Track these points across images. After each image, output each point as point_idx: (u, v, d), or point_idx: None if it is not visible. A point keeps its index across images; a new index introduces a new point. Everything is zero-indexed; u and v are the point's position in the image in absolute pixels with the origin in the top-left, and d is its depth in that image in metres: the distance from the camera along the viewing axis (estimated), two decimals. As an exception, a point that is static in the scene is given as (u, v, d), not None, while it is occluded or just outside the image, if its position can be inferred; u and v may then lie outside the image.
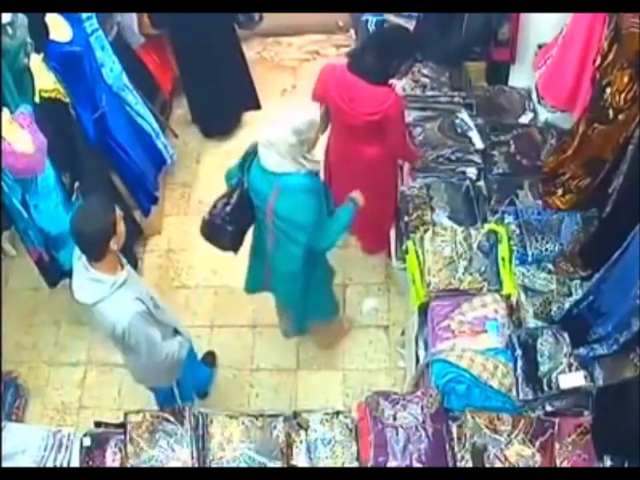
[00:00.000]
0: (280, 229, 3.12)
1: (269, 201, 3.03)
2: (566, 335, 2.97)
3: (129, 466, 2.82)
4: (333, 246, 3.33)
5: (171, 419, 2.90)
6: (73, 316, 4.25)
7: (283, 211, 3.03)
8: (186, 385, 3.42)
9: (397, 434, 2.82)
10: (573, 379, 2.87)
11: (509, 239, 3.32)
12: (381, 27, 4.06)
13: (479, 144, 3.77)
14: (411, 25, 3.90)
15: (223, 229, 3.22)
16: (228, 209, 3.17)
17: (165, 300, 4.20)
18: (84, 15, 3.56)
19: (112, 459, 2.89)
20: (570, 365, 2.90)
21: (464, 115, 3.88)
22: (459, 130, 3.83)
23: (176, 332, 3.20)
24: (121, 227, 2.75)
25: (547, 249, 3.26)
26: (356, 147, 3.56)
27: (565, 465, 2.71)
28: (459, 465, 2.76)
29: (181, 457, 2.83)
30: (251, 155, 3.08)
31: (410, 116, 3.82)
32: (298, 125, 2.91)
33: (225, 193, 3.21)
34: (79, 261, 2.80)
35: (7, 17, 3.05)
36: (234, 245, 3.35)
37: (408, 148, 3.68)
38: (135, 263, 4.37)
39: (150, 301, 2.96)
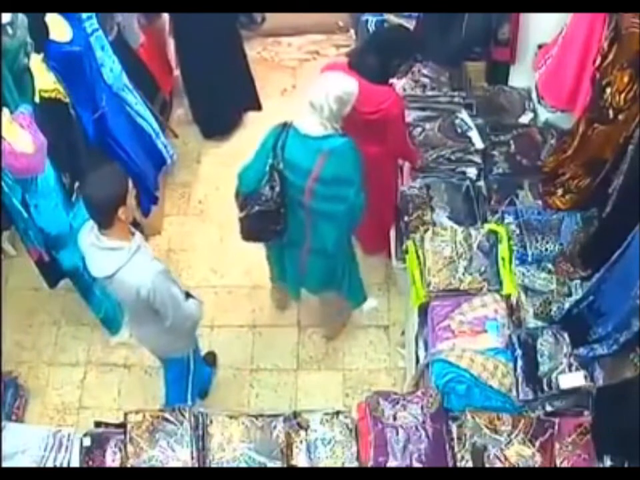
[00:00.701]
0: (321, 198, 3.09)
1: (313, 171, 3.01)
2: (566, 335, 2.97)
3: (129, 466, 2.82)
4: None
5: (171, 418, 2.90)
6: (72, 316, 4.25)
7: (332, 172, 3.03)
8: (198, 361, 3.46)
9: (397, 434, 2.82)
10: (573, 379, 2.87)
11: (509, 238, 3.32)
12: (381, 27, 4.06)
13: (478, 144, 3.77)
14: (410, 24, 3.90)
15: (278, 213, 3.16)
16: (277, 189, 3.08)
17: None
18: (84, 15, 3.55)
19: (112, 459, 2.89)
20: (570, 365, 2.90)
21: (464, 114, 3.88)
22: (459, 130, 3.84)
23: (188, 295, 3.17)
24: (132, 201, 2.77)
25: (546, 249, 3.26)
26: (357, 146, 3.56)
27: (565, 464, 2.71)
28: (459, 464, 2.76)
29: (181, 457, 2.83)
30: (281, 132, 3.07)
31: (410, 116, 3.82)
32: (341, 93, 2.96)
33: (266, 180, 3.10)
34: (89, 237, 2.80)
35: (6, 17, 3.04)
36: (284, 229, 3.26)
37: (408, 147, 3.68)
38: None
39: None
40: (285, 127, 3.08)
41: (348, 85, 3.02)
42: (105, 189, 2.68)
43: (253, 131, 4.88)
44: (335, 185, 3.08)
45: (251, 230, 3.29)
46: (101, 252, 2.78)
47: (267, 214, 3.15)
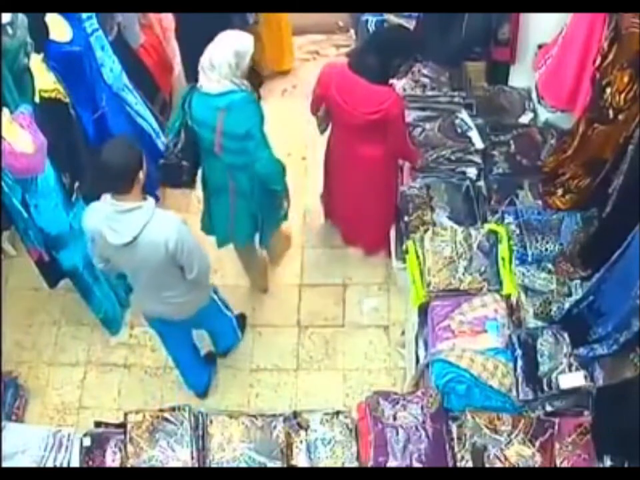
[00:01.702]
0: (230, 151, 3.31)
1: (217, 126, 3.22)
2: (566, 335, 2.97)
3: (129, 466, 2.83)
4: (274, 164, 3.43)
5: (171, 418, 2.91)
6: (72, 316, 4.25)
7: (232, 125, 3.21)
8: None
9: (397, 434, 2.82)
10: (573, 379, 2.87)
11: (509, 238, 3.32)
12: (381, 27, 4.06)
13: (478, 144, 3.77)
14: (410, 24, 3.90)
15: (178, 165, 3.47)
16: (179, 146, 3.41)
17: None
18: (84, 15, 3.55)
19: (112, 459, 2.89)
20: (570, 365, 2.90)
21: (464, 114, 3.88)
22: (459, 130, 3.84)
23: None
24: (144, 163, 2.89)
25: (546, 249, 3.26)
26: (356, 148, 3.56)
27: (565, 464, 2.71)
28: (459, 464, 2.76)
29: (181, 457, 2.83)
30: (188, 93, 3.31)
31: (410, 116, 3.82)
32: (238, 47, 3.16)
33: (173, 136, 3.44)
34: (105, 209, 2.86)
35: (6, 17, 3.04)
36: (191, 179, 3.61)
37: (409, 147, 3.68)
38: (134, 263, 4.37)
39: None
40: (191, 88, 3.32)
41: (243, 39, 3.21)
42: (126, 153, 2.81)
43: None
44: (238, 139, 3.25)
45: (163, 179, 3.72)
46: (123, 216, 2.84)
47: (169, 166, 3.47)
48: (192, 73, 4.62)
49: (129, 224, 2.84)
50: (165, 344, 3.67)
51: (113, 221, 2.86)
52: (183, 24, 4.39)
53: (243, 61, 3.18)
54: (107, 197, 2.87)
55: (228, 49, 3.14)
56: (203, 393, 3.90)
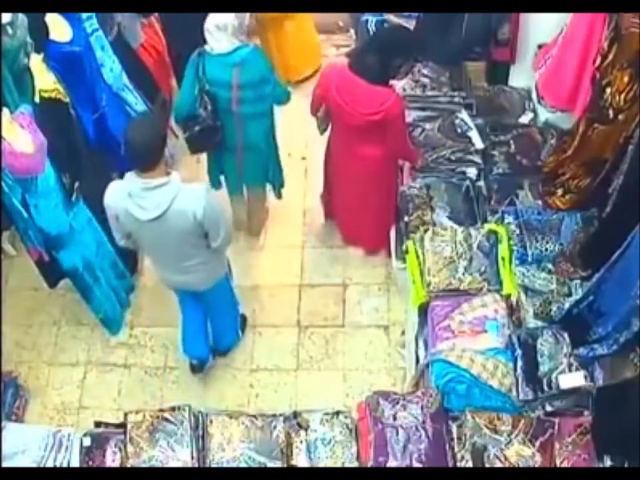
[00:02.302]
0: (248, 102, 3.63)
1: (233, 81, 3.54)
2: (566, 335, 2.97)
3: (129, 466, 2.82)
4: (287, 90, 3.87)
5: (171, 418, 2.91)
6: (72, 316, 4.25)
7: (249, 76, 3.55)
8: None
9: (397, 434, 2.82)
10: (573, 379, 2.87)
11: (509, 238, 3.32)
12: (382, 27, 4.06)
13: (478, 144, 3.77)
14: (410, 24, 3.90)
15: (215, 127, 3.72)
16: (209, 107, 3.65)
17: (164, 300, 4.22)
18: (84, 15, 3.55)
19: (112, 459, 2.89)
20: (570, 365, 2.90)
21: (464, 114, 3.88)
22: (459, 130, 3.83)
23: None
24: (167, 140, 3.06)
25: (547, 249, 3.26)
26: (357, 148, 3.56)
27: (565, 465, 2.71)
28: (459, 464, 2.76)
29: (181, 457, 2.83)
30: (198, 60, 3.56)
31: (410, 116, 3.81)
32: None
33: (199, 104, 3.65)
34: (130, 186, 2.94)
35: (6, 17, 3.05)
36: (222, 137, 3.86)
37: (409, 148, 3.69)
38: (134, 263, 4.37)
39: None
40: (200, 54, 3.56)
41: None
42: (150, 131, 2.92)
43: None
44: (254, 88, 3.59)
45: (197, 145, 3.86)
46: (150, 193, 2.92)
47: (207, 130, 3.71)
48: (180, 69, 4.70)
49: (156, 200, 2.93)
50: (181, 306, 3.79)
51: (139, 198, 2.94)
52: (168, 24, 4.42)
53: (243, 20, 3.54)
54: (132, 175, 2.95)
55: (224, 15, 3.44)
56: (196, 364, 3.91)
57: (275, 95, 3.72)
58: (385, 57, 3.27)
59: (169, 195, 2.92)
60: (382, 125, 3.37)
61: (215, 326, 3.90)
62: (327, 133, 3.79)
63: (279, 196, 4.36)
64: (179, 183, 2.96)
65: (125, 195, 2.96)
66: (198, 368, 3.91)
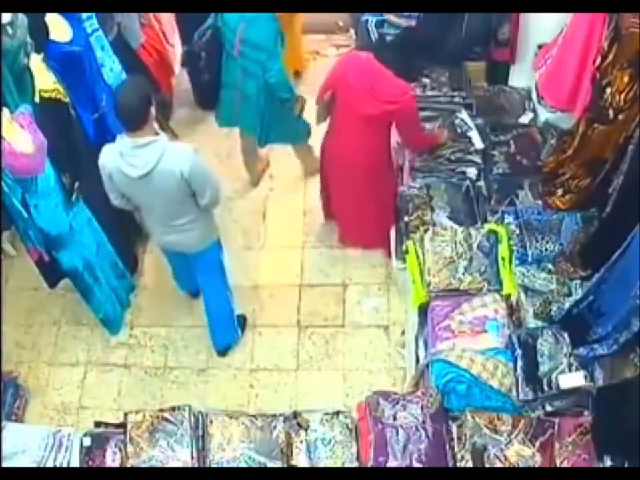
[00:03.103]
0: (246, 58, 3.87)
1: (237, 33, 3.79)
2: (566, 335, 2.97)
3: (129, 466, 2.82)
4: (283, 76, 3.96)
5: (171, 418, 2.90)
6: (72, 316, 4.26)
7: (251, 35, 3.77)
8: None
9: (397, 434, 2.82)
10: (573, 379, 2.86)
11: (509, 238, 3.31)
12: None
13: (478, 144, 3.77)
14: (411, 25, 3.90)
15: (198, 55, 4.29)
16: (203, 39, 4.25)
17: (164, 300, 4.22)
18: (84, 15, 3.55)
19: (112, 459, 2.89)
20: (570, 365, 2.90)
21: (464, 114, 3.88)
22: (459, 130, 3.83)
23: None
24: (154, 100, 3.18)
25: (547, 249, 3.26)
26: (359, 141, 3.59)
27: (565, 465, 2.71)
28: (459, 464, 2.76)
29: (181, 457, 2.83)
30: None
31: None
32: None
33: (201, 32, 4.18)
34: (121, 146, 3.10)
35: (6, 17, 3.05)
36: (212, 72, 4.22)
37: (427, 139, 3.76)
38: (134, 263, 4.37)
39: None
40: None
41: None
42: (136, 92, 3.07)
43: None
44: (252, 49, 3.81)
45: (184, 65, 4.53)
46: (139, 150, 3.08)
47: (191, 54, 4.31)
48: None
49: (145, 157, 3.08)
50: (167, 256, 3.96)
51: (129, 156, 3.10)
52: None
53: None
54: (122, 136, 3.10)
55: None
56: (194, 293, 4.18)
57: (269, 69, 3.83)
58: (408, 57, 3.48)
59: (156, 152, 3.08)
60: (394, 115, 3.48)
61: (210, 317, 3.96)
62: (324, 131, 3.81)
63: (303, 142, 4.48)
64: (167, 142, 3.13)
65: (117, 154, 3.12)
66: (195, 295, 4.15)
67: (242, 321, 4.11)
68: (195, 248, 3.58)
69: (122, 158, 3.11)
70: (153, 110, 3.09)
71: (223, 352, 4.06)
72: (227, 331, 4.02)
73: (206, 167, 3.27)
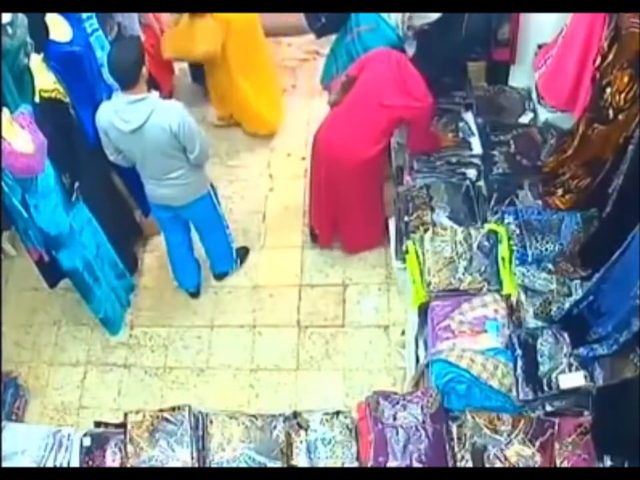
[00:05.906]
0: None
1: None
2: (566, 335, 2.97)
3: (129, 466, 2.82)
4: None
5: (171, 418, 2.90)
6: (72, 316, 4.26)
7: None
8: None
9: (397, 434, 2.82)
10: (573, 379, 2.86)
11: (509, 238, 3.31)
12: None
13: (477, 150, 3.77)
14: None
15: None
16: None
17: (164, 300, 4.22)
18: (84, 15, 3.56)
19: (112, 459, 2.89)
20: (570, 365, 2.90)
21: (469, 117, 3.88)
22: (461, 135, 3.84)
23: None
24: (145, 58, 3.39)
25: (547, 249, 3.26)
26: (360, 132, 3.64)
27: (565, 465, 2.71)
28: (459, 464, 2.76)
29: (181, 457, 2.83)
30: None
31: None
32: None
33: None
34: (115, 103, 3.36)
35: (7, 17, 3.05)
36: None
37: (431, 142, 3.79)
38: (134, 263, 4.37)
39: None
40: None
41: None
42: (131, 51, 3.30)
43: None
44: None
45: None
46: (132, 106, 3.32)
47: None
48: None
49: (137, 112, 3.32)
50: (165, 233, 4.10)
51: (122, 112, 3.33)
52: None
53: None
54: (117, 93, 3.36)
55: None
56: (193, 292, 4.24)
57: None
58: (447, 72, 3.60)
59: (147, 108, 3.32)
60: (413, 113, 3.56)
61: (207, 249, 4.17)
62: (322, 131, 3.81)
63: None
64: (157, 99, 3.37)
65: (112, 111, 3.37)
66: (194, 295, 4.24)
67: (243, 252, 4.32)
68: (186, 200, 3.76)
69: (116, 114, 3.34)
70: (145, 70, 3.32)
71: (219, 276, 4.30)
72: (225, 261, 4.25)
73: (193, 123, 3.48)
